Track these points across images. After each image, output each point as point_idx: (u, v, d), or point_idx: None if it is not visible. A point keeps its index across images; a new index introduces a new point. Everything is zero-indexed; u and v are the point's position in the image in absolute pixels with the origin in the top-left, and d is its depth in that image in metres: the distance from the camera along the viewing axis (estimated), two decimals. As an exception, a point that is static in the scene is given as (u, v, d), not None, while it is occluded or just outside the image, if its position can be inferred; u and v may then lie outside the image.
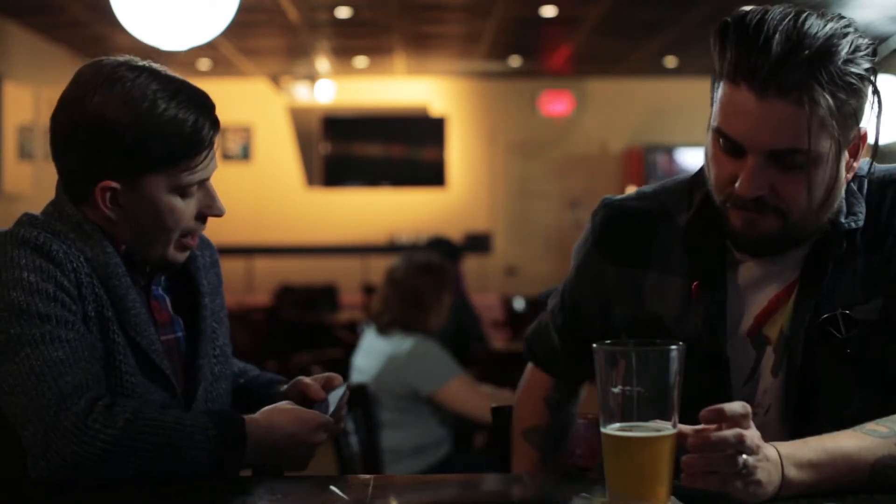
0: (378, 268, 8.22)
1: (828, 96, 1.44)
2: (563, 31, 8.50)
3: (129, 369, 1.63)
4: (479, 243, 10.37)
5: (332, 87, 10.07)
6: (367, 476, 1.65)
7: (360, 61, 9.79)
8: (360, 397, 3.33)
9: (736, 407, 1.32)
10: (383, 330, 3.98)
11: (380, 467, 3.49)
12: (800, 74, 1.43)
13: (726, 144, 1.52)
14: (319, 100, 9.92)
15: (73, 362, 1.54)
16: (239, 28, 7.04)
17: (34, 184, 7.97)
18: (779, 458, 1.37)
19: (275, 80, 9.95)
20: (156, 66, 1.71)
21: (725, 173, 1.53)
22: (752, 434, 1.33)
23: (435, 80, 10.92)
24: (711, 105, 1.56)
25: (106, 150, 1.64)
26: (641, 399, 1.31)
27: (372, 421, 3.45)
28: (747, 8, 1.49)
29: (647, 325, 1.68)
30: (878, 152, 1.58)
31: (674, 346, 1.31)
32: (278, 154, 10.55)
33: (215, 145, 1.71)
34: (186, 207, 1.69)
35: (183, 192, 1.68)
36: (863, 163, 1.63)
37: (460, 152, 10.96)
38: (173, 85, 1.67)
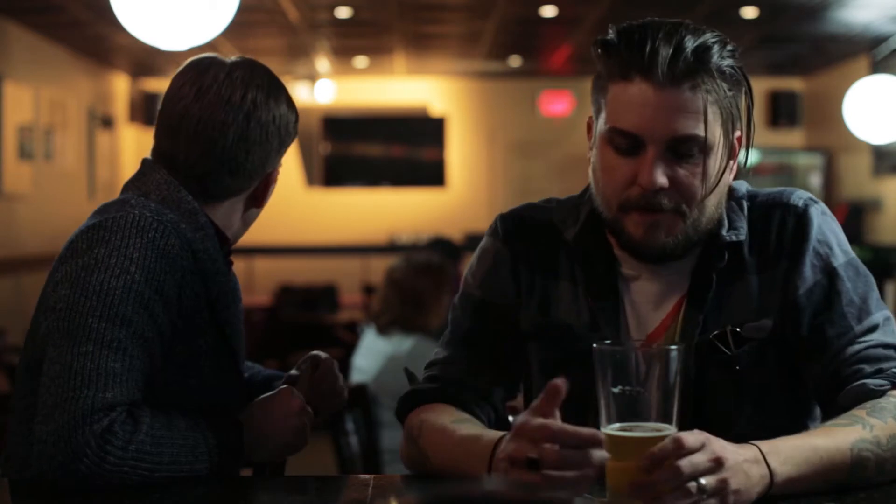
0: (378, 268, 8.22)
1: (717, 83, 1.53)
2: (563, 31, 8.50)
3: (209, 371, 1.63)
4: (478, 243, 10.35)
5: (332, 87, 10.06)
6: (367, 476, 1.65)
7: (360, 61, 9.79)
8: (360, 397, 3.33)
9: (666, 445, 1.27)
10: (383, 330, 3.98)
11: (380, 467, 3.49)
12: (689, 65, 1.52)
13: (622, 142, 1.55)
14: (319, 100, 9.91)
15: (122, 380, 1.51)
16: (239, 28, 7.04)
17: (34, 184, 7.96)
18: (761, 454, 1.37)
19: (275, 80, 9.95)
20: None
21: (621, 176, 1.56)
22: (697, 459, 1.28)
23: (435, 80, 10.92)
24: (596, 117, 1.61)
25: (282, 142, 1.74)
26: (641, 399, 1.31)
27: (372, 421, 3.45)
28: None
29: (555, 331, 1.69)
30: (750, 146, 1.63)
31: (674, 347, 1.32)
32: (278, 154, 10.54)
33: None
34: None
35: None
36: (735, 183, 1.69)
37: (460, 152, 10.96)
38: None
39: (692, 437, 1.29)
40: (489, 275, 1.77)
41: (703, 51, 1.53)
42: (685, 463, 1.27)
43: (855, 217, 8.89)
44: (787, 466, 1.39)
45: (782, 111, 10.47)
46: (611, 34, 1.58)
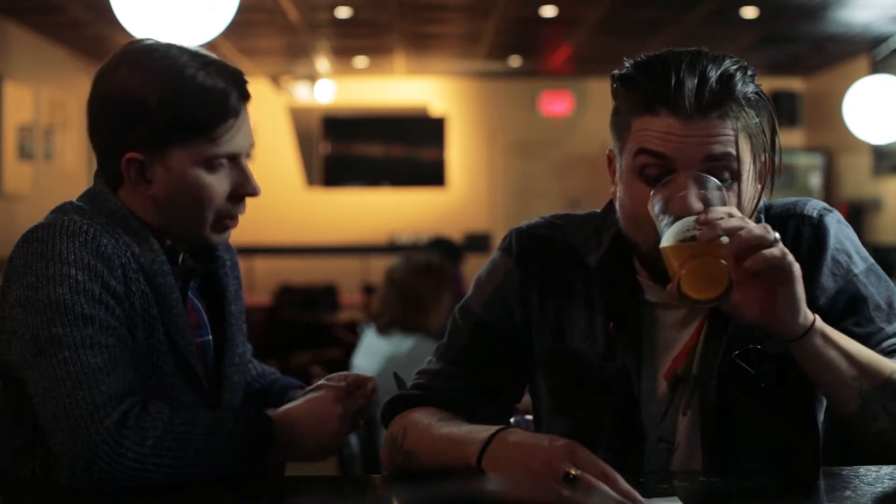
0: (378, 268, 8.21)
1: (744, 109, 1.52)
2: (563, 31, 8.50)
3: (169, 369, 1.61)
4: (479, 243, 10.36)
5: (332, 87, 10.06)
6: (367, 476, 1.65)
7: (360, 61, 9.79)
8: (360, 397, 3.32)
9: (716, 208, 1.42)
10: (383, 330, 3.98)
11: (380, 467, 3.49)
12: (715, 95, 1.50)
13: (653, 170, 1.53)
14: (319, 100, 9.92)
15: (110, 370, 1.50)
16: (239, 28, 7.04)
17: (34, 184, 7.96)
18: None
19: (275, 80, 9.95)
20: (191, 46, 1.68)
21: None
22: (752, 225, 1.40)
23: (435, 80, 10.92)
24: (619, 153, 1.60)
25: (131, 120, 1.61)
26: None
27: (372, 421, 3.45)
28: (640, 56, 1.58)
29: (567, 359, 1.66)
30: (778, 172, 1.63)
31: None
32: (278, 154, 10.55)
33: (245, 121, 1.66)
34: (216, 183, 1.65)
35: (210, 166, 1.64)
36: None
37: (460, 152, 10.96)
38: (204, 58, 1.65)
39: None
40: (495, 295, 1.70)
41: (727, 79, 1.50)
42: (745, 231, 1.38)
43: (855, 217, 8.89)
44: (827, 329, 1.45)
45: (782, 111, 10.46)
46: (628, 68, 1.55)
